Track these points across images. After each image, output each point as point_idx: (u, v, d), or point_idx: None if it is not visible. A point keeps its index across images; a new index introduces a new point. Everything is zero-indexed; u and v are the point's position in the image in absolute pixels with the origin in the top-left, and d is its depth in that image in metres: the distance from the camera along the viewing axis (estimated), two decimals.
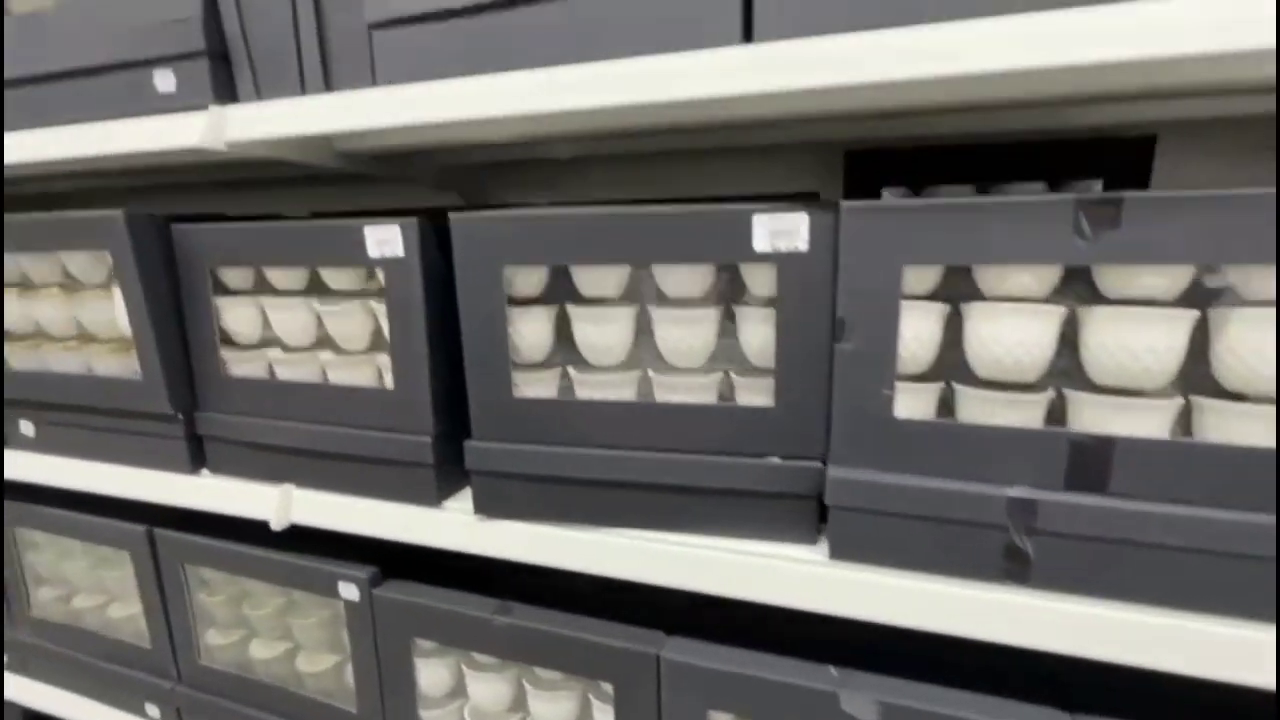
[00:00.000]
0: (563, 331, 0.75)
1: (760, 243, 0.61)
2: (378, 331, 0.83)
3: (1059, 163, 0.90)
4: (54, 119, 0.85)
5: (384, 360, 0.82)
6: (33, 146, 0.85)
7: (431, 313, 0.74)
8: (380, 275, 0.76)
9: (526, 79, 0.63)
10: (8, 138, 0.86)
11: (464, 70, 0.66)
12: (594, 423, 0.70)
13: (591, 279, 0.71)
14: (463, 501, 0.80)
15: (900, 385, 0.60)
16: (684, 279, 0.69)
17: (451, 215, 0.69)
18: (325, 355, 0.85)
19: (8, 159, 0.86)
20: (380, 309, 0.79)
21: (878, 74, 0.53)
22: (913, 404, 0.61)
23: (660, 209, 0.64)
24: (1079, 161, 0.89)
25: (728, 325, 0.70)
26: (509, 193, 1.24)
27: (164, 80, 0.77)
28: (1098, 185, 0.91)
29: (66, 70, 0.83)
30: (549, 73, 0.62)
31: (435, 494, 0.79)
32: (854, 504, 0.62)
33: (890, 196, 0.99)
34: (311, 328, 0.86)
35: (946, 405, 0.63)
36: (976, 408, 0.60)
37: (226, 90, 0.77)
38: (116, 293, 0.89)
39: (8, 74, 0.87)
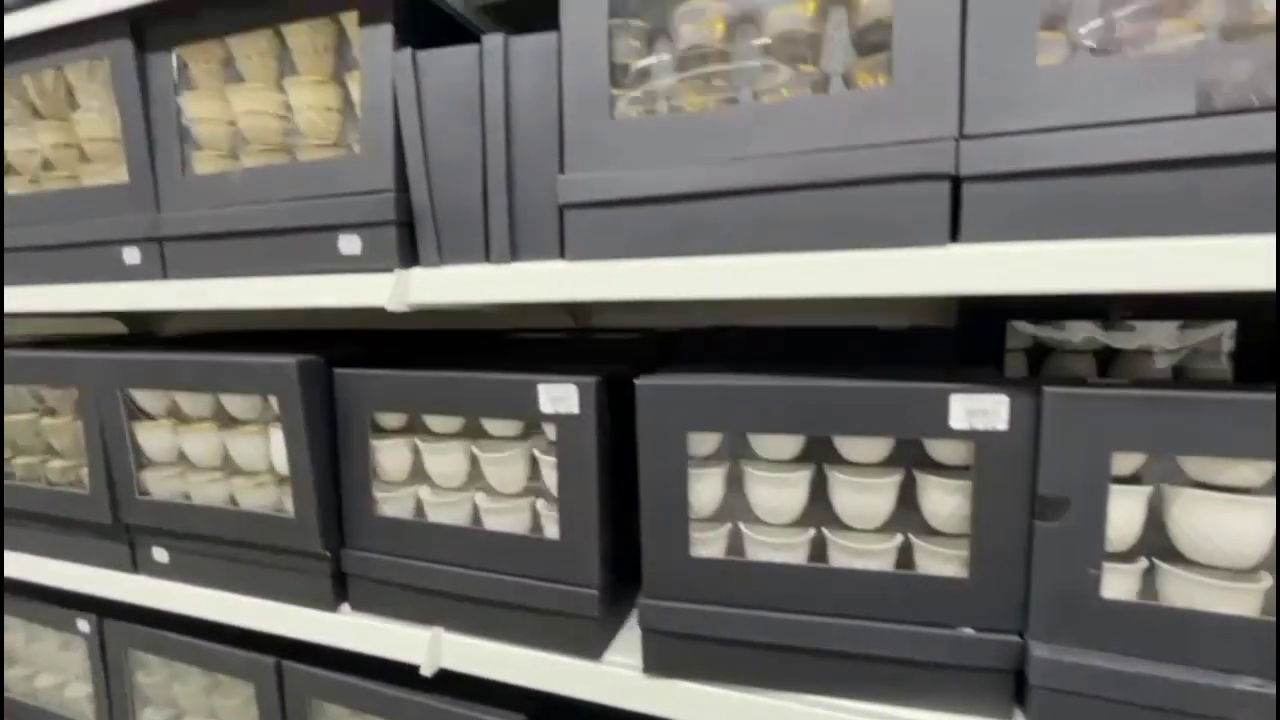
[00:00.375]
0: (732, 482, 0.77)
1: (957, 421, 0.63)
2: (535, 475, 0.84)
3: (1187, 302, 0.91)
4: (230, 270, 0.90)
5: (540, 504, 0.83)
6: (213, 296, 0.90)
7: (602, 468, 0.76)
8: (549, 429, 0.78)
9: (719, 264, 0.66)
10: (191, 284, 0.92)
11: (652, 251, 0.70)
12: (774, 585, 0.71)
13: (771, 443, 0.72)
14: (620, 654, 0.80)
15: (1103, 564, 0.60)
16: (866, 445, 0.70)
17: (638, 382, 0.72)
18: (479, 497, 0.87)
19: (189, 305, 0.91)
20: (544, 456, 0.81)
21: (1075, 285, 0.56)
22: (1116, 583, 0.61)
23: (851, 383, 0.66)
24: (1208, 302, 0.90)
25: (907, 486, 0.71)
26: (612, 313, 1.28)
27: (349, 244, 0.82)
28: (1230, 327, 0.92)
29: (250, 230, 0.88)
30: (743, 260, 0.66)
31: (597, 646, 0.79)
32: (1063, 686, 0.61)
33: (1016, 331, 1.01)
34: (465, 469, 0.88)
35: (1147, 582, 0.63)
36: (1189, 591, 0.59)
37: (409, 253, 0.81)
38: (274, 432, 0.92)
39: (190, 229, 0.93)
